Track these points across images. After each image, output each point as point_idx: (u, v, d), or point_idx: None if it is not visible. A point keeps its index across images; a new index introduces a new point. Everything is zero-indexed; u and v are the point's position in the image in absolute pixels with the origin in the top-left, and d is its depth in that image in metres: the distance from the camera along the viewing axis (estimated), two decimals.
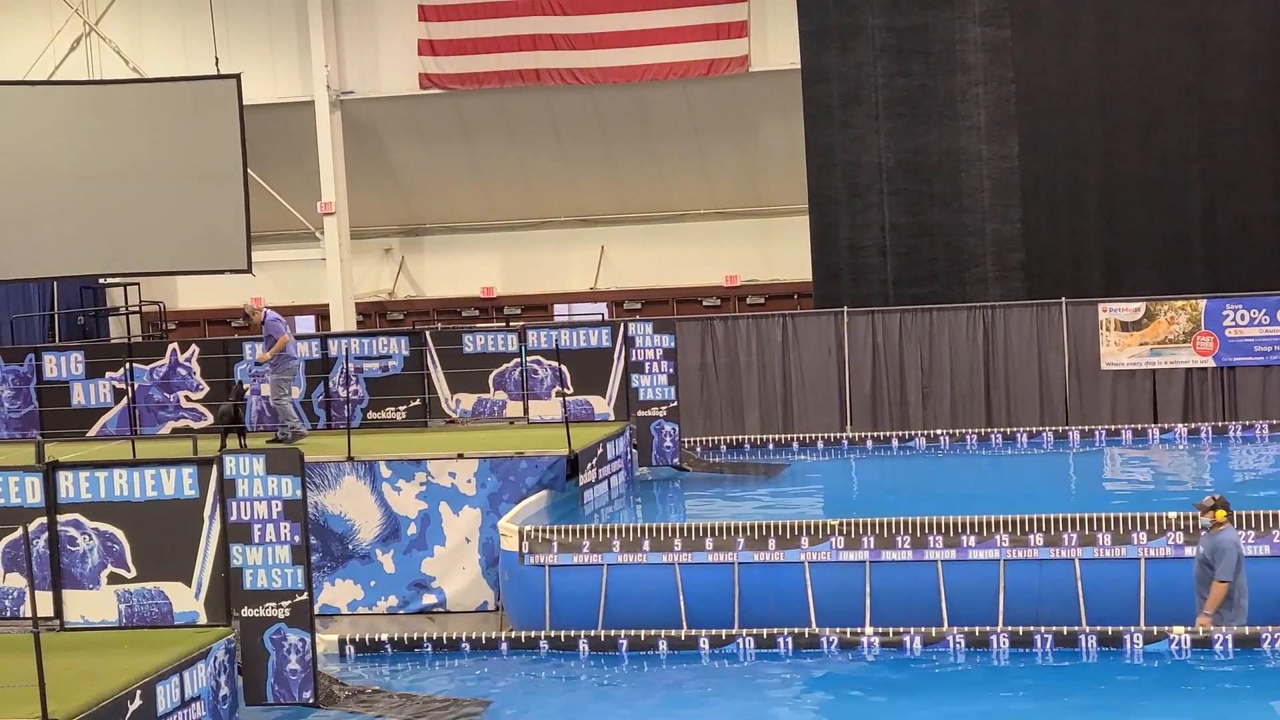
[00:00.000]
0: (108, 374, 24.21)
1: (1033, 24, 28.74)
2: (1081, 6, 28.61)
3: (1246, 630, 15.41)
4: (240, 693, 13.55)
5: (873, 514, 17.73)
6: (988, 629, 15.90)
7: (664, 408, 23.45)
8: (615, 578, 17.66)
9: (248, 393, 23.18)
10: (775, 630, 16.20)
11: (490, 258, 35.09)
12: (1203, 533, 16.15)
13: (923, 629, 15.95)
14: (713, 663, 16.07)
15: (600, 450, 21.45)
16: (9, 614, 13.80)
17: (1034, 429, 25.63)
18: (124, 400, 24.12)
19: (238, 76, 28.59)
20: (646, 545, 17.69)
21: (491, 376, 23.60)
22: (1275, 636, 15.31)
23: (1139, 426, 25.50)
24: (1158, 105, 28.46)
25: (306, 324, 35.20)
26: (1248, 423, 25.27)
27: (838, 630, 16.10)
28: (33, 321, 32.53)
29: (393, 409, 23.69)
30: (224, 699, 13.24)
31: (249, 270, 28.88)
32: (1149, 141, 28.48)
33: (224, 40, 31.25)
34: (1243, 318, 26.70)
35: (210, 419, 23.52)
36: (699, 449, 25.17)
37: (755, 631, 16.24)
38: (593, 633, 16.57)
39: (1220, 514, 15.79)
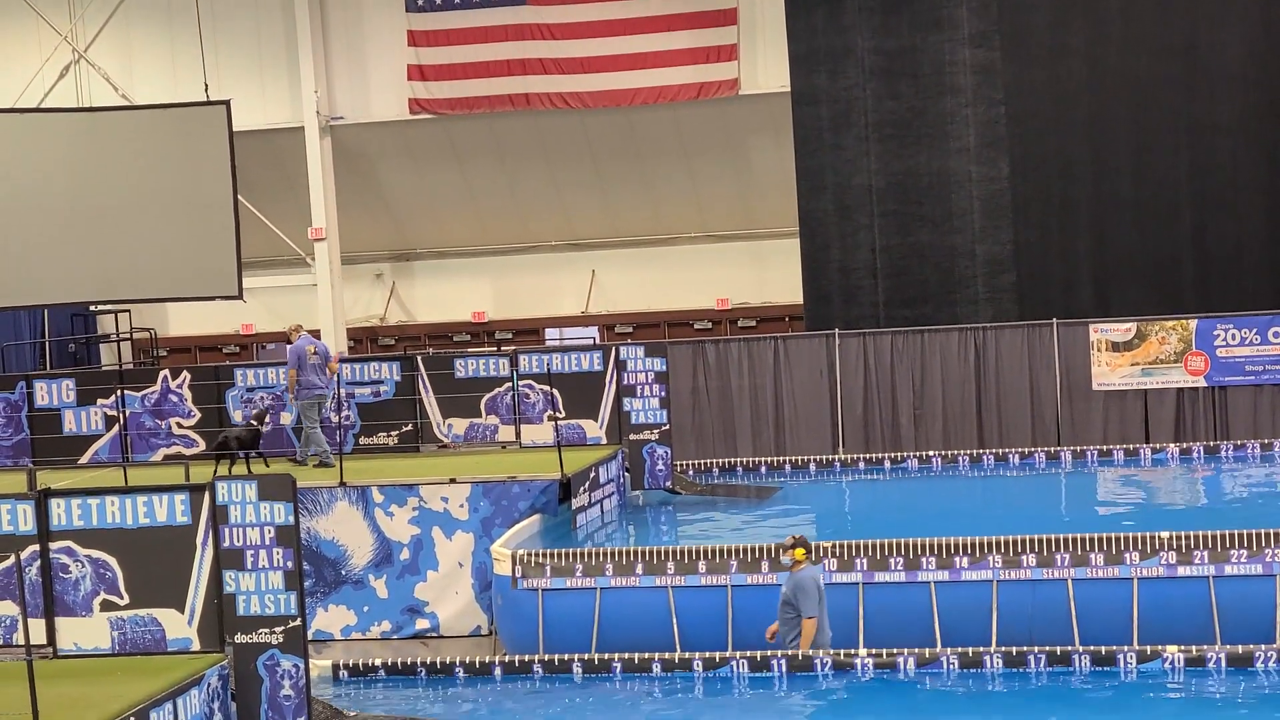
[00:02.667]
0: (99, 401, 24.20)
1: (1022, 46, 28.81)
2: (1071, 29, 28.68)
3: (1240, 649, 15.41)
4: (234, 719, 13.51)
5: (865, 536, 17.72)
6: (981, 649, 15.89)
7: (656, 431, 23.42)
8: (609, 601, 17.65)
9: (266, 418, 23.06)
10: (769, 653, 16.17)
11: (481, 282, 35.10)
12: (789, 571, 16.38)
13: (916, 650, 15.94)
14: (706, 685, 16.05)
15: (593, 474, 21.44)
16: (2, 642, 13.77)
17: (1026, 450, 25.62)
18: (115, 427, 24.11)
19: (227, 103, 28.60)
20: (639, 568, 17.68)
21: (483, 401, 23.61)
22: (1268, 655, 15.32)
23: (1131, 447, 25.50)
24: (1147, 127, 28.52)
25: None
26: (1239, 442, 25.27)
27: (832, 652, 16.08)
28: (24, 349, 32.51)
29: (385, 434, 23.70)
30: None
31: (240, 297, 28.88)
32: (1139, 163, 28.53)
33: (213, 67, 31.29)
34: (1233, 337, 26.74)
35: (203, 445, 23.53)
36: (691, 472, 25.15)
37: (749, 654, 16.22)
38: (586, 656, 16.55)
39: (799, 553, 16.12)
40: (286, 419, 23.66)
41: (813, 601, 15.99)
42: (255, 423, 22.36)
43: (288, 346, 22.78)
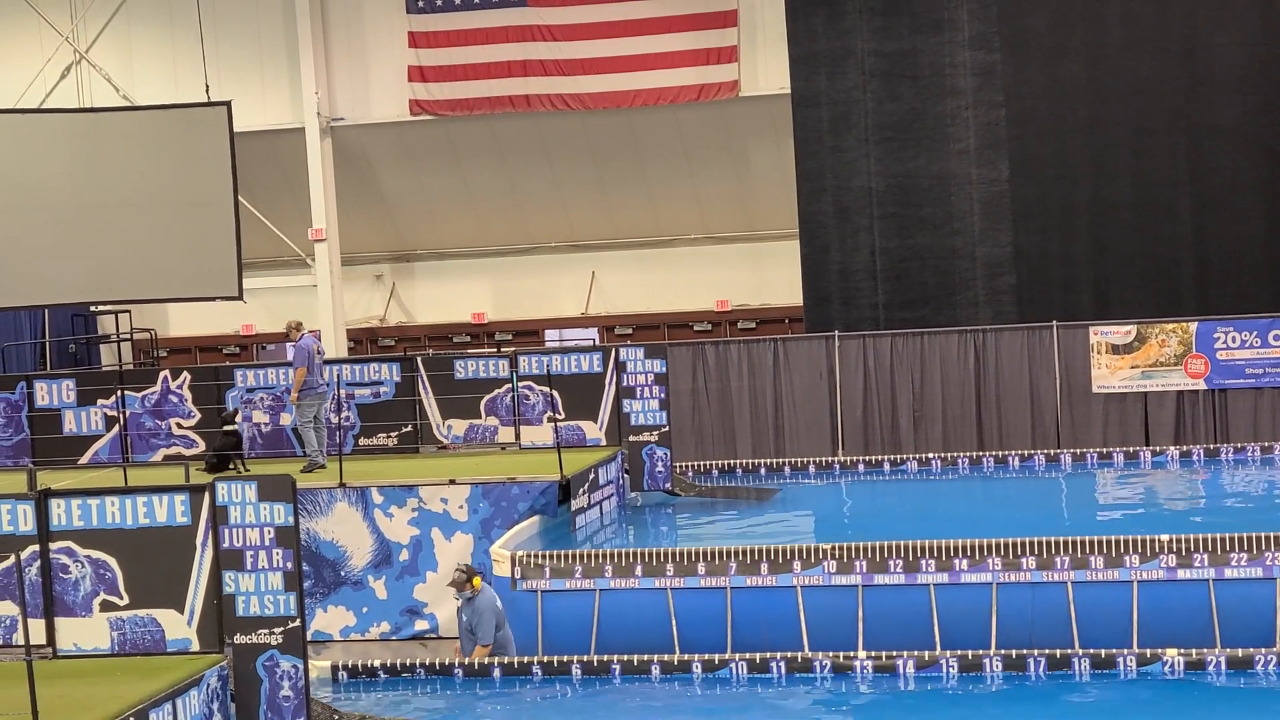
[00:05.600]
0: (99, 401, 24.21)
1: (1022, 48, 28.82)
2: (1070, 30, 28.69)
3: (1240, 653, 15.42)
4: None
5: (865, 538, 17.72)
6: (981, 652, 15.89)
7: (655, 432, 23.43)
8: (608, 603, 17.64)
9: (237, 418, 23.15)
10: (768, 655, 16.18)
11: (481, 283, 35.10)
12: (461, 602, 17.30)
13: (916, 653, 15.94)
14: (705, 687, 16.05)
15: (592, 475, 21.44)
16: (1, 642, 13.77)
17: (1026, 452, 25.62)
18: (116, 428, 24.11)
19: (228, 104, 28.62)
20: (639, 570, 17.68)
21: (483, 402, 23.62)
22: (1268, 658, 15.33)
23: (1131, 449, 25.50)
24: (1147, 129, 28.53)
25: None
26: (1239, 445, 25.29)
27: (830, 654, 16.08)
28: (24, 349, 32.51)
29: (384, 435, 23.69)
30: None
31: (240, 297, 28.89)
32: (1139, 165, 28.55)
33: (214, 67, 31.29)
34: (1233, 340, 26.75)
35: (203, 446, 23.56)
36: (691, 474, 25.15)
37: (748, 656, 16.23)
38: (585, 658, 16.54)
39: (477, 581, 17.11)
40: (286, 419, 23.67)
41: (489, 627, 16.96)
42: (230, 426, 22.36)
43: (294, 344, 22.61)
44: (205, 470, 21.35)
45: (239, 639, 13.47)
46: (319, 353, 22.55)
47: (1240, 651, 15.47)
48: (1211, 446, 25.38)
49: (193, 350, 35.58)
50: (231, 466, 21.77)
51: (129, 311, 34.04)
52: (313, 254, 33.18)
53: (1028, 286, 28.79)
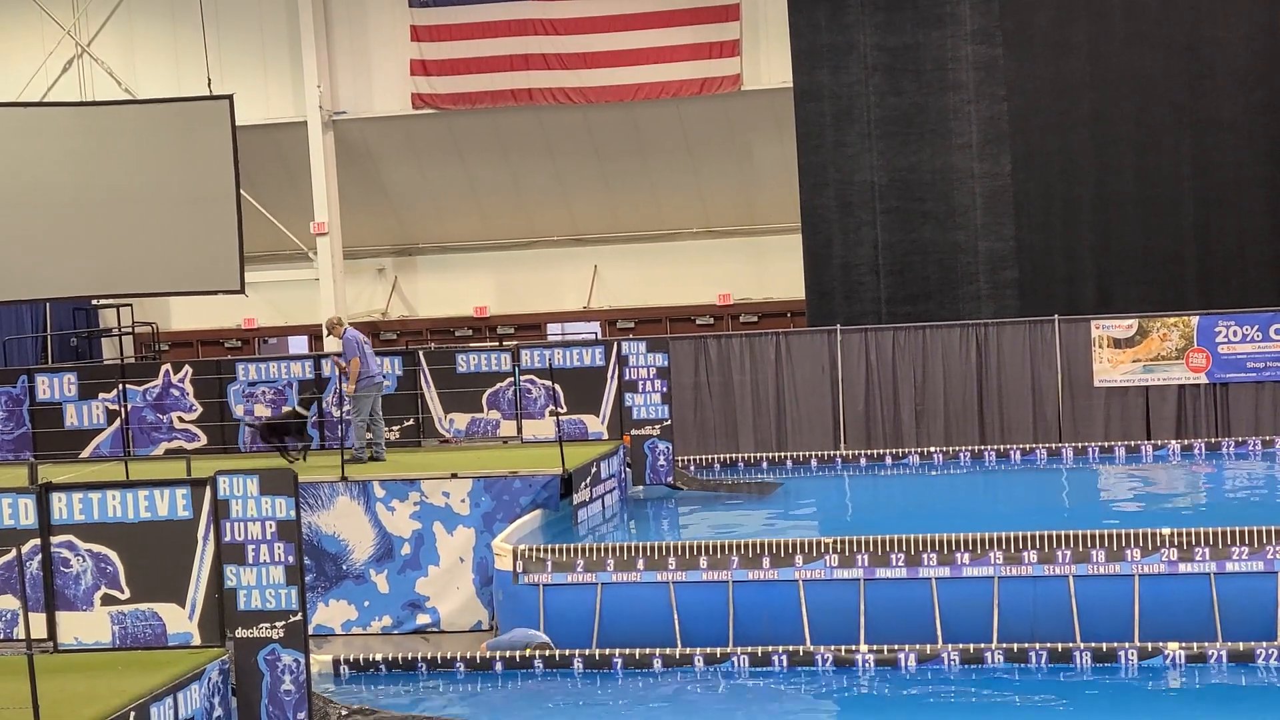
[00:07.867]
0: (101, 395, 24.22)
1: (1024, 42, 28.80)
2: (1073, 25, 28.67)
3: (1241, 646, 15.42)
4: (234, 714, 13.52)
5: (867, 531, 17.72)
6: (982, 646, 15.91)
7: (657, 426, 23.43)
8: (610, 597, 17.65)
9: (309, 408, 22.99)
10: (770, 648, 16.20)
11: (483, 277, 35.07)
12: None
13: (917, 646, 15.96)
14: (707, 681, 16.05)
15: (594, 469, 21.44)
16: (2, 636, 13.78)
17: (1027, 446, 25.64)
18: (117, 421, 24.12)
19: (230, 97, 28.59)
20: (641, 564, 17.69)
21: (485, 396, 23.61)
22: (1270, 652, 15.33)
23: (1132, 443, 25.51)
24: (1150, 123, 28.51)
25: (300, 344, 35.20)
26: (1240, 439, 25.28)
27: (832, 648, 16.09)
28: (25, 343, 32.50)
29: (386, 429, 23.68)
30: None
31: (242, 291, 28.86)
32: (1141, 159, 28.52)
33: (216, 61, 31.29)
34: (1235, 334, 26.73)
35: (204, 439, 23.59)
36: (693, 468, 25.15)
37: (750, 650, 16.24)
38: (587, 651, 16.57)
39: None
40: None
41: None
42: (302, 409, 22.28)
43: (342, 338, 22.26)
44: (255, 431, 21.51)
45: (240, 633, 13.48)
46: (366, 342, 22.44)
47: (1242, 645, 15.48)
48: (1213, 440, 25.39)
49: (194, 344, 35.58)
50: (291, 452, 21.86)
51: (130, 305, 34.02)
52: (315, 248, 33.18)
53: (1030, 281, 28.79)
